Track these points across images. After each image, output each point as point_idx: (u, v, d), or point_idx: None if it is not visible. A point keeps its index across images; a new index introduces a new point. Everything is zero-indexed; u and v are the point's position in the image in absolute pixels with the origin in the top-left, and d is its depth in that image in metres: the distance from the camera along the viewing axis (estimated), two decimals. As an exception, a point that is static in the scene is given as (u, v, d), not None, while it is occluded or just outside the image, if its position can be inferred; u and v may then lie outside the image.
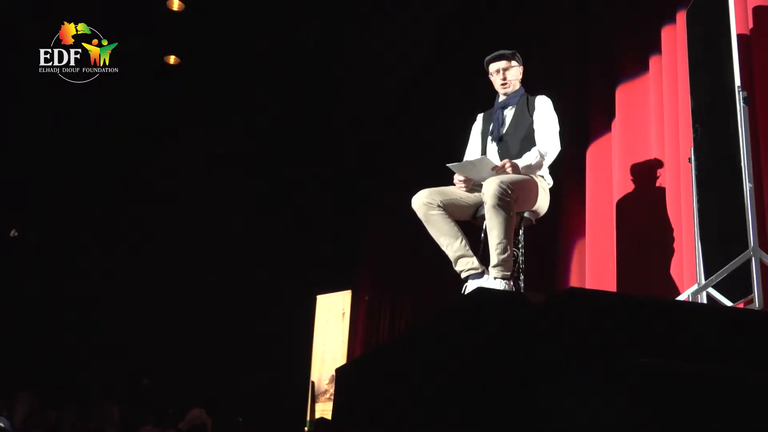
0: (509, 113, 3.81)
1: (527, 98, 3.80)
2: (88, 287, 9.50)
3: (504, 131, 3.78)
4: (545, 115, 3.73)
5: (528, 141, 3.69)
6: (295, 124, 9.48)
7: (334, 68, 8.44)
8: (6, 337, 8.64)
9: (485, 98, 3.97)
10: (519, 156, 3.62)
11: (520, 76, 3.86)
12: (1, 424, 5.54)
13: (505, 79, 3.81)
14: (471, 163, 3.64)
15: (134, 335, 9.18)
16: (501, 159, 3.65)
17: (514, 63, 3.81)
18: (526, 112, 3.75)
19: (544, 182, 3.69)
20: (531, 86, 3.90)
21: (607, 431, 1.52)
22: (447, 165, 3.59)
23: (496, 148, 3.78)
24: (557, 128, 3.70)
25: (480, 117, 4.00)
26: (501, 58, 3.81)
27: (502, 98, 3.85)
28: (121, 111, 8.92)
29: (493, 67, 3.82)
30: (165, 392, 8.49)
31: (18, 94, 7.94)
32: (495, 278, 3.32)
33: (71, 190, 9.48)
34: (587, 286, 4.45)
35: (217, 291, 9.69)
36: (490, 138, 3.83)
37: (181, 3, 7.49)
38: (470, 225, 3.71)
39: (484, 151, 3.84)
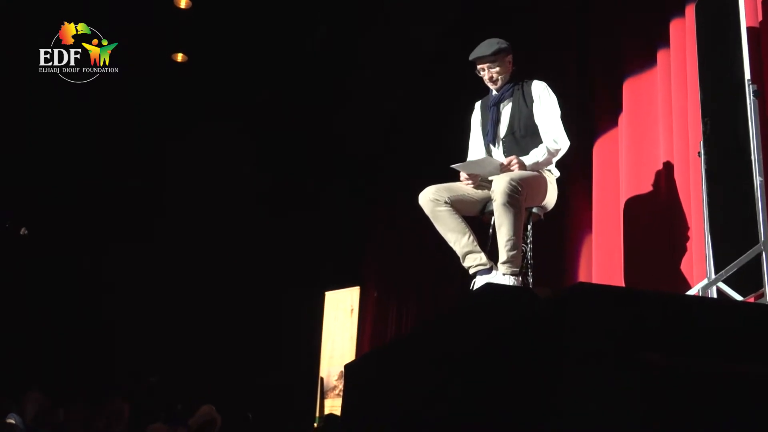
0: (506, 109, 3.75)
1: (522, 87, 3.71)
2: (97, 285, 9.54)
3: (504, 130, 3.74)
4: (546, 106, 3.65)
5: (533, 135, 3.66)
6: (303, 121, 9.49)
7: (340, 66, 8.44)
8: (15, 336, 8.68)
9: (489, 92, 3.94)
10: (526, 152, 3.60)
11: (509, 66, 3.75)
12: (12, 421, 5.57)
13: (492, 77, 3.74)
14: (474, 162, 3.64)
15: (143, 333, 9.21)
16: (507, 157, 3.63)
17: (497, 59, 3.70)
18: (523, 104, 3.68)
19: (552, 176, 3.68)
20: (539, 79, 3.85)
21: (617, 428, 1.51)
22: (452, 166, 3.59)
23: (502, 147, 3.76)
24: (560, 120, 3.64)
25: (478, 107, 3.95)
26: (482, 60, 3.70)
27: (494, 93, 3.80)
28: (127, 109, 8.94)
29: (478, 65, 3.75)
30: (174, 390, 8.52)
31: (18, 94, 7.96)
32: (504, 274, 3.32)
33: (76, 187, 9.51)
34: (595, 282, 4.43)
35: (225, 288, 9.71)
36: (487, 138, 3.80)
37: (188, 1, 7.49)
38: (477, 220, 3.71)
39: (488, 150, 3.82)
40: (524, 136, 3.66)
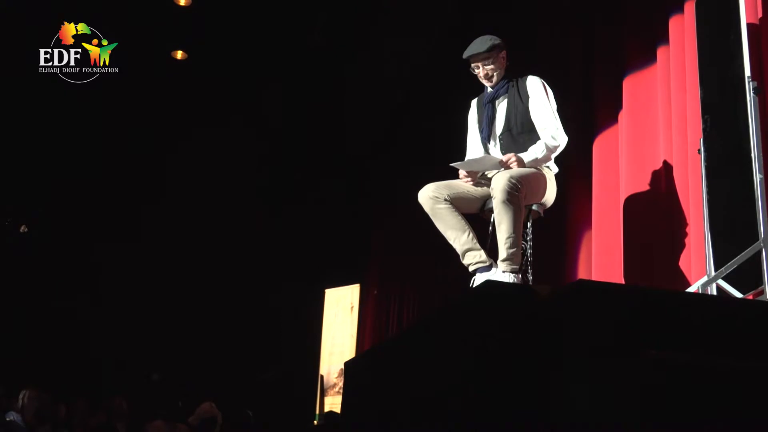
0: (501, 106, 3.73)
1: (517, 83, 3.70)
2: (98, 281, 9.54)
3: (501, 127, 3.73)
4: (542, 102, 3.63)
5: (530, 131, 3.65)
6: (304, 118, 9.48)
7: (341, 64, 8.43)
8: (16, 333, 8.68)
9: (484, 89, 3.92)
10: (524, 149, 3.59)
11: (504, 62, 3.73)
12: (9, 419, 5.56)
13: (487, 74, 3.71)
14: (474, 160, 3.64)
15: (144, 329, 9.22)
16: (505, 154, 3.63)
17: (491, 56, 3.67)
18: (519, 100, 3.66)
19: (551, 173, 3.68)
20: (536, 75, 3.83)
21: (617, 426, 1.52)
22: (451, 164, 3.59)
23: (499, 144, 3.75)
24: (557, 115, 3.64)
25: (474, 104, 3.93)
26: (476, 57, 3.67)
27: (489, 90, 3.78)
28: (127, 107, 8.93)
29: (472, 63, 3.72)
30: (174, 386, 8.52)
31: (18, 94, 7.95)
32: (503, 272, 3.32)
33: (77, 187, 9.51)
34: (594, 279, 4.43)
35: (225, 285, 9.71)
36: (483, 135, 3.79)
37: (187, -2, 7.49)
38: (477, 218, 3.71)
39: (486, 147, 3.82)
40: (521, 132, 3.65)
